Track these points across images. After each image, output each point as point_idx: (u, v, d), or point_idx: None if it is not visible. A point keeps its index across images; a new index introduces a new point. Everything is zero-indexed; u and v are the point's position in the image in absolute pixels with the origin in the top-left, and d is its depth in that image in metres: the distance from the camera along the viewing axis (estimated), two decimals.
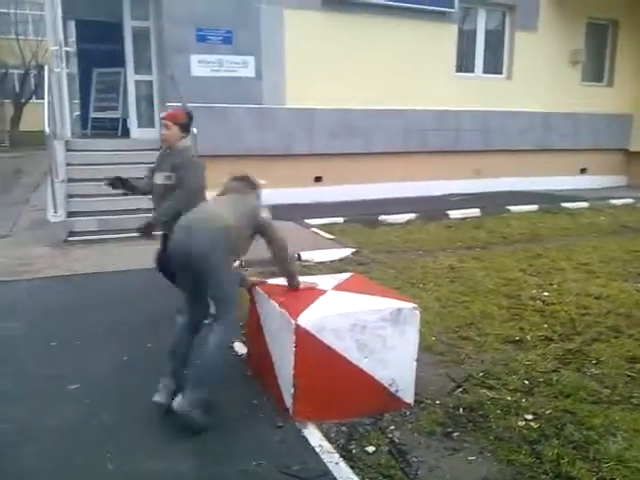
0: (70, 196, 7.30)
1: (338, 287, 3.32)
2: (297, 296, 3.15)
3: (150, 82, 9.16)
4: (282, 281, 3.56)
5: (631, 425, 2.85)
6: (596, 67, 12.19)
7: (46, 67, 7.80)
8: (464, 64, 10.72)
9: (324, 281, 3.44)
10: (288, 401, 2.92)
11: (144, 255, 6.15)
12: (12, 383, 3.37)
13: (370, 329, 2.92)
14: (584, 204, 9.78)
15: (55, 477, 2.51)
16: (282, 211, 8.52)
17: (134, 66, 9.13)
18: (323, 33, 9.19)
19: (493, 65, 11.06)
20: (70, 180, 7.53)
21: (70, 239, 6.69)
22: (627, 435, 2.76)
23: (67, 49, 8.66)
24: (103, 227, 6.99)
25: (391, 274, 5.54)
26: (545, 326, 4.22)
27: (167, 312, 4.58)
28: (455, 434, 2.82)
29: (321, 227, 7.62)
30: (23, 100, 25.68)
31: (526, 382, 3.34)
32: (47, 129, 6.75)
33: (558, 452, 2.62)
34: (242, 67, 8.74)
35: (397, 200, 9.74)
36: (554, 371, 3.48)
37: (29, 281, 5.41)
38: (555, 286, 5.23)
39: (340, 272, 4.27)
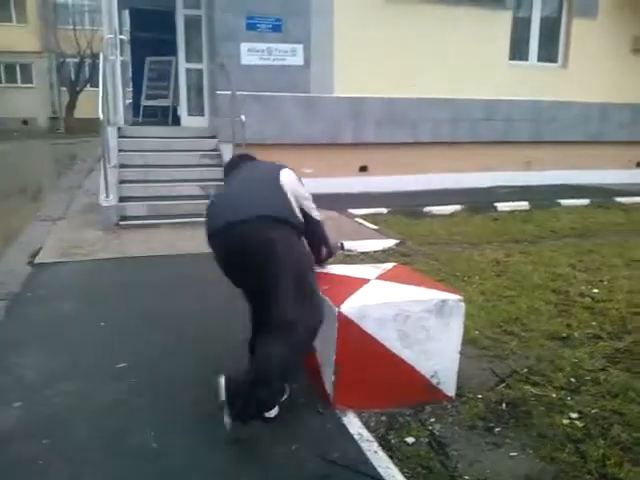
0: (122, 181, 7.52)
1: (381, 277, 3.30)
2: (340, 284, 3.16)
3: (200, 70, 9.30)
4: (325, 269, 3.58)
5: None
6: None
7: (101, 55, 8.01)
8: (518, 52, 10.42)
9: (367, 270, 3.44)
10: (329, 388, 2.94)
11: (193, 240, 6.32)
12: (63, 361, 3.52)
13: (413, 320, 2.90)
14: (639, 199, 9.39)
15: (103, 452, 2.61)
16: (326, 200, 8.54)
17: (185, 54, 9.28)
18: (373, 21, 9.10)
19: (548, 53, 10.69)
20: (122, 166, 7.75)
21: (121, 223, 6.90)
22: None
23: (121, 37, 8.87)
24: (153, 212, 7.18)
25: (435, 266, 5.49)
26: (594, 323, 4.10)
27: (214, 298, 4.69)
28: (497, 429, 2.79)
29: (365, 217, 7.60)
30: (78, 88, 26.53)
31: (572, 380, 3.25)
32: (101, 116, 6.95)
33: (604, 452, 2.55)
34: (291, 55, 8.76)
35: (443, 191, 9.61)
36: (602, 370, 3.38)
37: (81, 262, 5.61)
38: (605, 283, 5.06)
39: (383, 262, 4.25)
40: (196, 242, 6.38)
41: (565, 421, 2.83)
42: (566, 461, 2.52)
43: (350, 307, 2.84)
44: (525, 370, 3.38)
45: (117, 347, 3.70)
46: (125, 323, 4.12)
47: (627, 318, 4.20)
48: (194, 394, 3.09)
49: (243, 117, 7.28)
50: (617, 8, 10.69)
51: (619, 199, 9.30)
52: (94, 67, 23.55)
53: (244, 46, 8.52)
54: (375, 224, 7.21)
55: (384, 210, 8.06)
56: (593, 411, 2.92)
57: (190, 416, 2.88)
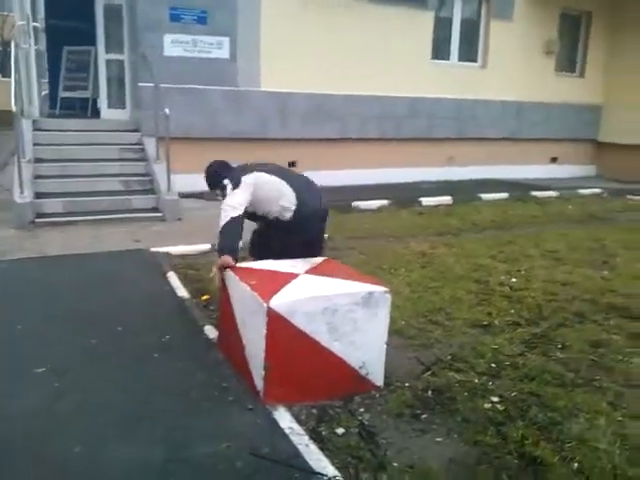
0: (37, 177, 7.13)
1: (310, 271, 3.32)
2: (269, 279, 3.15)
3: (122, 61, 8.95)
4: (255, 265, 3.56)
5: (592, 407, 2.93)
6: (569, 58, 12.35)
7: (13, 43, 7.55)
8: (440, 51, 10.74)
9: (296, 265, 3.44)
10: (259, 384, 2.92)
11: (112, 237, 6.08)
12: None
13: (341, 312, 2.93)
14: (553, 193, 9.95)
15: (22, 458, 2.47)
16: None
17: (105, 45, 8.91)
18: (299, 17, 9.09)
19: (468, 53, 11.10)
20: (38, 160, 7.35)
21: (37, 220, 6.54)
22: (589, 416, 2.85)
23: (35, 24, 8.41)
24: (71, 209, 6.85)
25: (363, 259, 5.58)
26: (512, 311, 4.31)
27: (137, 295, 4.56)
28: (423, 416, 2.87)
29: None
30: None
31: (493, 365, 3.41)
32: (14, 107, 6.55)
33: (523, 433, 2.68)
34: (216, 48, 8.60)
35: (370, 187, 9.77)
36: (520, 355, 3.56)
37: None
38: (523, 272, 5.34)
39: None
40: (116, 239, 6.19)
41: (487, 405, 2.96)
42: (488, 443, 2.63)
43: (279, 302, 2.83)
44: (449, 357, 3.50)
45: (35, 350, 3.51)
46: (43, 325, 3.92)
47: (543, 305, 4.45)
48: (118, 395, 2.98)
49: (167, 110, 7.08)
50: (532, 12, 11.24)
51: (535, 193, 9.82)
52: (6, 55, 22.17)
53: (168, 37, 8.28)
54: None
55: None
56: (512, 394, 3.07)
57: (117, 418, 2.78)
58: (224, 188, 3.61)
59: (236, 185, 3.55)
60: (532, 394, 3.06)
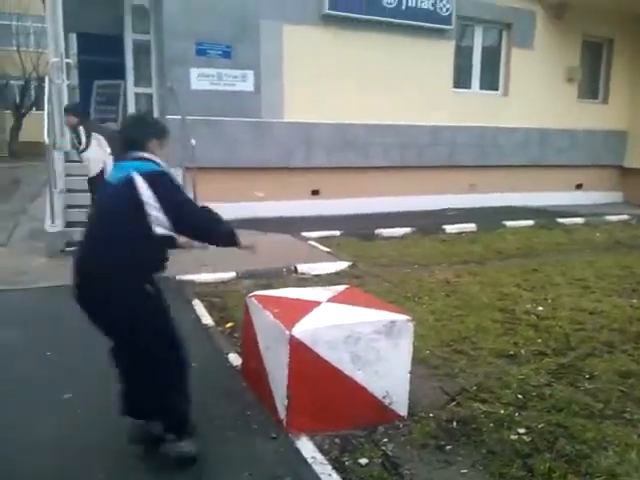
0: (69, 207, 7.32)
1: (333, 299, 3.34)
2: (292, 307, 3.17)
3: (150, 95, 9.23)
4: (278, 292, 3.60)
5: (623, 439, 2.86)
6: (591, 84, 12.31)
7: (47, 78, 7.85)
8: (461, 80, 10.83)
9: (319, 293, 3.47)
10: (282, 412, 2.93)
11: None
12: (8, 391, 3.37)
13: (364, 341, 2.93)
14: (579, 220, 9.84)
15: None
16: (279, 224, 8.61)
17: (134, 79, 9.21)
18: (321, 48, 9.28)
19: (490, 82, 11.16)
20: (69, 190, 7.56)
21: (68, 249, 6.69)
22: (619, 449, 2.78)
23: (68, 61, 8.73)
24: None
25: (386, 287, 5.57)
26: (539, 341, 4.24)
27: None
28: (448, 447, 2.83)
29: (318, 240, 7.65)
30: (23, 111, 25.76)
31: (519, 396, 3.35)
32: (46, 139, 6.79)
33: (550, 466, 2.63)
34: (241, 81, 8.82)
35: (393, 214, 9.79)
36: (547, 385, 3.49)
37: (24, 290, 5.41)
38: (549, 301, 5.26)
39: (336, 285, 4.28)
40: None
41: (513, 437, 2.91)
42: (514, 476, 2.58)
43: (302, 330, 2.85)
44: (474, 388, 3.45)
45: (63, 377, 3.58)
46: (72, 352, 3.98)
47: (570, 335, 4.37)
48: None
49: (193, 141, 7.26)
50: (553, 39, 11.30)
51: (561, 220, 9.71)
52: (40, 90, 22.98)
53: (194, 71, 8.52)
54: (328, 247, 7.27)
55: (337, 233, 8.14)
56: (539, 426, 3.01)
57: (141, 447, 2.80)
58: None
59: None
60: (560, 426, 3.00)
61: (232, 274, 5.88)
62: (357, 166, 9.83)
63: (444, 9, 9.98)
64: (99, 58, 10.73)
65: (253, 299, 3.43)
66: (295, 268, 6.20)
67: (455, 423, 3.04)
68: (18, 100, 26.46)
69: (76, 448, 2.79)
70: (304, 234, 7.93)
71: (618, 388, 3.47)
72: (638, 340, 4.27)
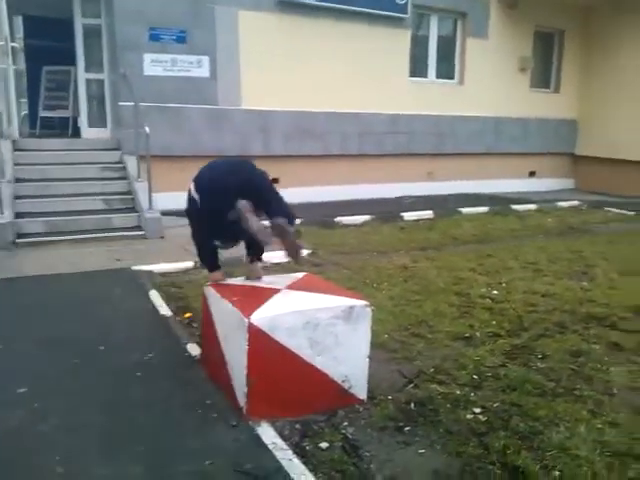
0: (18, 197, 7.07)
1: (292, 286, 3.34)
2: (250, 295, 3.16)
3: (102, 81, 8.96)
4: (236, 281, 3.57)
5: (573, 415, 2.97)
6: (544, 74, 12.61)
7: None
8: (418, 69, 10.93)
9: (278, 281, 3.46)
10: (242, 400, 2.92)
11: (93, 257, 6.04)
12: None
13: (323, 327, 2.94)
14: (532, 206, 10.10)
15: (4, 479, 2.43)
16: None
17: (85, 64, 8.91)
18: (278, 35, 9.20)
19: (446, 70, 11.30)
20: (18, 180, 7.30)
21: (18, 241, 6.47)
22: (569, 425, 2.88)
23: (13, 45, 8.39)
24: (52, 229, 6.79)
25: (346, 274, 5.60)
26: (493, 323, 4.35)
27: (119, 314, 4.53)
28: (406, 428, 2.88)
29: None
30: None
31: (475, 377, 3.43)
32: None
33: (505, 443, 2.70)
34: (196, 67, 8.66)
35: (353, 202, 9.84)
36: (502, 366, 3.59)
37: None
38: (503, 284, 5.40)
39: (295, 272, 4.28)
40: (97, 258, 6.14)
41: (469, 416, 2.98)
42: (471, 454, 2.65)
43: (260, 317, 2.83)
44: (431, 370, 3.52)
45: (17, 370, 3.47)
46: (25, 344, 3.87)
47: (523, 316, 4.50)
48: (100, 414, 2.96)
49: (147, 129, 7.09)
50: (506, 29, 11.50)
51: (514, 206, 9.95)
52: None
53: (147, 57, 8.31)
54: None
55: (296, 221, 8.09)
56: (494, 405, 3.09)
57: (98, 437, 2.75)
58: None
59: None
60: (513, 404, 3.09)
61: (190, 264, 5.80)
62: (316, 154, 9.82)
63: None
64: (47, 42, 10.36)
65: (211, 288, 3.39)
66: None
67: (413, 405, 3.09)
68: None
69: (30, 439, 2.72)
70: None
71: (569, 367, 3.59)
72: (588, 321, 4.43)
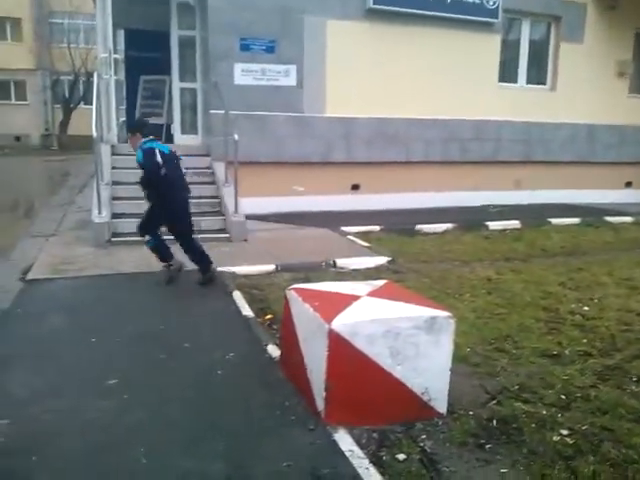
0: (115, 198, 7.52)
1: (372, 293, 3.32)
2: (331, 300, 3.17)
3: (194, 90, 9.38)
4: (317, 286, 3.61)
5: None
6: None
7: (95, 74, 8.08)
8: (507, 74, 10.60)
9: (358, 287, 3.46)
10: (320, 404, 2.94)
11: (181, 258, 6.28)
12: (55, 376, 3.50)
13: (404, 336, 2.91)
14: (628, 218, 9.51)
15: (92, 468, 2.58)
16: (319, 218, 8.63)
17: (179, 74, 9.36)
18: (365, 42, 9.24)
19: (537, 76, 10.89)
20: (115, 183, 7.76)
21: (113, 240, 6.88)
22: None
23: (115, 56, 8.94)
24: None
25: (426, 283, 5.51)
26: (584, 341, 4.13)
27: (203, 313, 4.70)
28: (488, 446, 2.79)
29: (357, 235, 7.63)
30: (72, 105, 26.60)
31: (563, 397, 3.27)
32: (94, 133, 6.97)
33: (594, 469, 2.56)
34: (284, 76, 8.86)
35: (435, 210, 9.68)
36: (592, 387, 3.39)
37: (72, 279, 5.58)
38: (595, 301, 5.11)
39: (375, 280, 4.26)
40: (186, 259, 6.38)
41: (556, 438, 2.84)
42: (556, 478, 2.52)
43: (341, 323, 2.84)
44: (516, 387, 3.39)
45: (108, 362, 3.69)
46: (116, 339, 4.10)
47: (617, 336, 4.24)
48: (183, 409, 3.08)
49: (236, 136, 7.33)
50: (604, 33, 10.93)
51: (608, 218, 9.41)
52: (88, 85, 23.68)
53: (238, 66, 8.61)
54: (367, 242, 7.25)
55: (376, 228, 8.10)
56: (583, 428, 2.93)
57: (180, 432, 2.86)
58: None
59: None
60: (605, 428, 2.91)
61: (272, 267, 5.93)
62: (398, 161, 9.75)
63: (490, 2, 9.80)
64: (146, 54, 10.96)
65: (293, 292, 3.44)
66: (334, 262, 6.20)
67: (495, 422, 2.99)
68: (67, 95, 27.33)
69: (118, 429, 2.87)
70: (343, 229, 7.92)
71: None
72: None
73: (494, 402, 3.21)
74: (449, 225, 8.39)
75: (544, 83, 10.92)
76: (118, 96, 9.41)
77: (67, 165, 15.54)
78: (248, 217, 7.64)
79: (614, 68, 11.14)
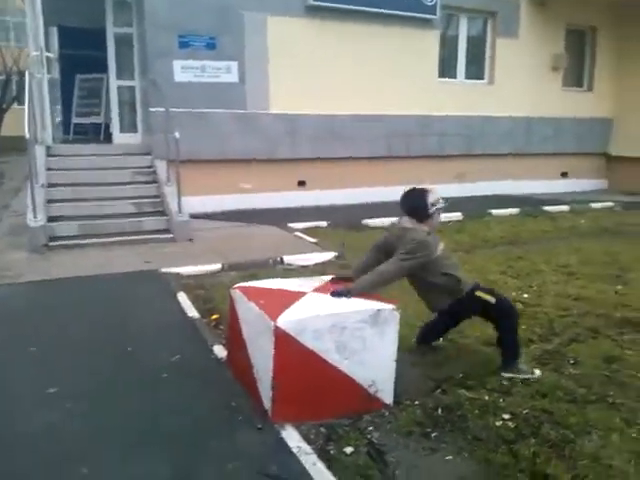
0: (51, 201, 7.24)
1: (318, 289, 3.32)
2: (276, 298, 3.16)
3: (133, 88, 9.14)
4: (262, 284, 3.58)
5: (606, 423, 2.88)
6: (576, 73, 12.36)
7: (27, 73, 7.75)
8: (447, 70, 10.82)
9: (304, 284, 3.45)
10: (267, 403, 2.92)
11: (123, 259, 6.13)
12: None
13: (350, 330, 2.92)
14: (565, 207, 9.89)
15: (31, 478, 2.48)
16: (265, 215, 8.58)
17: (117, 72, 9.10)
18: (307, 39, 9.23)
19: (475, 71, 11.17)
20: (51, 185, 7.47)
21: (50, 244, 6.62)
22: (602, 433, 2.80)
23: (48, 55, 8.60)
24: (83, 232, 6.93)
25: None
26: (524, 327, 4.24)
27: (147, 315, 4.59)
28: (433, 434, 2.84)
29: (304, 231, 7.63)
30: (4, 106, 25.46)
31: (504, 382, 3.36)
32: (27, 134, 6.68)
33: (534, 451, 2.64)
34: (225, 72, 8.75)
35: (381, 205, 9.76)
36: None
37: (7, 286, 5.34)
38: (535, 288, 5.29)
39: (322, 275, 4.26)
40: (127, 261, 6.23)
41: (498, 423, 2.92)
42: (499, 462, 2.59)
43: (286, 321, 2.83)
44: (460, 375, 3.46)
45: (47, 371, 3.54)
46: (55, 346, 3.95)
47: (555, 321, 4.40)
48: (126, 415, 2.99)
49: (177, 134, 7.18)
50: (537, 28, 11.31)
51: (546, 208, 9.76)
52: (21, 85, 22.72)
53: (177, 63, 8.44)
54: (314, 237, 7.25)
55: (323, 223, 8.12)
56: (524, 411, 3.02)
57: (124, 438, 2.78)
58: None
59: None
60: (544, 411, 3.01)
61: (218, 266, 5.85)
62: (344, 157, 9.80)
63: None
64: (81, 52, 10.59)
65: (238, 290, 3.40)
66: (281, 259, 6.18)
67: (440, 410, 3.04)
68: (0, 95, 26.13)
69: (59, 439, 2.76)
70: (290, 225, 7.90)
71: (601, 373, 3.49)
72: (622, 325, 4.30)
73: (439, 390, 3.27)
74: (394, 219, 8.45)
75: (482, 78, 11.21)
76: (53, 95, 9.05)
77: (2, 167, 14.85)
78: (193, 216, 7.51)
79: (549, 62, 11.54)
